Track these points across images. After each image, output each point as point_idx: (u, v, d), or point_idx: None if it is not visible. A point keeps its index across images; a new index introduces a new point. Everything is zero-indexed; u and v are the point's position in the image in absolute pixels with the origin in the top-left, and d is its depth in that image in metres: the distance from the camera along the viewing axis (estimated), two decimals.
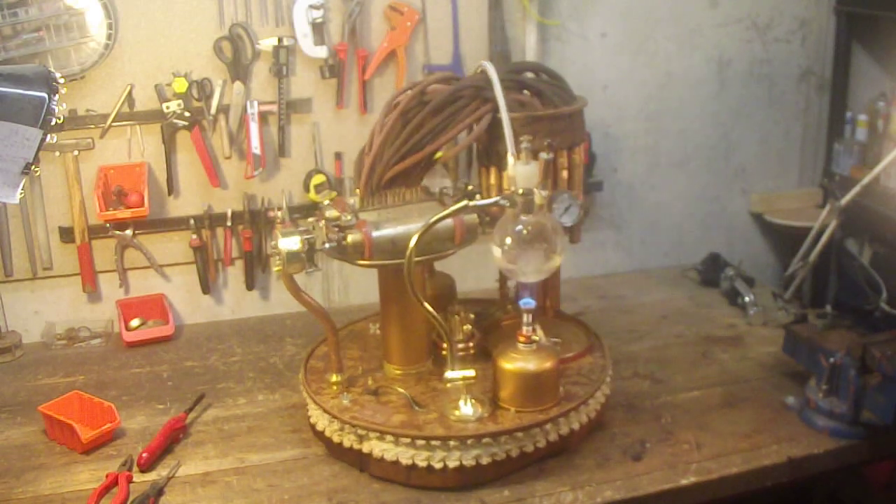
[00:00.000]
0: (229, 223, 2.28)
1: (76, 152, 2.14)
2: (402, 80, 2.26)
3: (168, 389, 1.97)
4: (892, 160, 2.12)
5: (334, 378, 1.75)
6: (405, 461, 1.58)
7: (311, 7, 2.15)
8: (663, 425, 1.79)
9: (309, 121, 2.28)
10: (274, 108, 2.22)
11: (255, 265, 2.33)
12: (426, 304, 1.61)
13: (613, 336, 2.18)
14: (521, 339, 1.63)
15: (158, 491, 1.58)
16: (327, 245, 1.62)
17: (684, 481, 1.61)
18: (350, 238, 1.62)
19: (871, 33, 2.59)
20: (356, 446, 1.62)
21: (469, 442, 1.56)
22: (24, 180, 1.44)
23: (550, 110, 1.77)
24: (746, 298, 2.34)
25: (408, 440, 1.57)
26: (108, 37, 2.06)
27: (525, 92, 1.83)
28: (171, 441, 1.73)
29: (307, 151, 2.29)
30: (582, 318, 2.05)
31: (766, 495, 1.72)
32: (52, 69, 1.51)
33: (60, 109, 1.45)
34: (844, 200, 2.15)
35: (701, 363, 2.07)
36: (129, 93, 2.13)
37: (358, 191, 1.75)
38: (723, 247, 2.69)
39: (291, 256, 1.58)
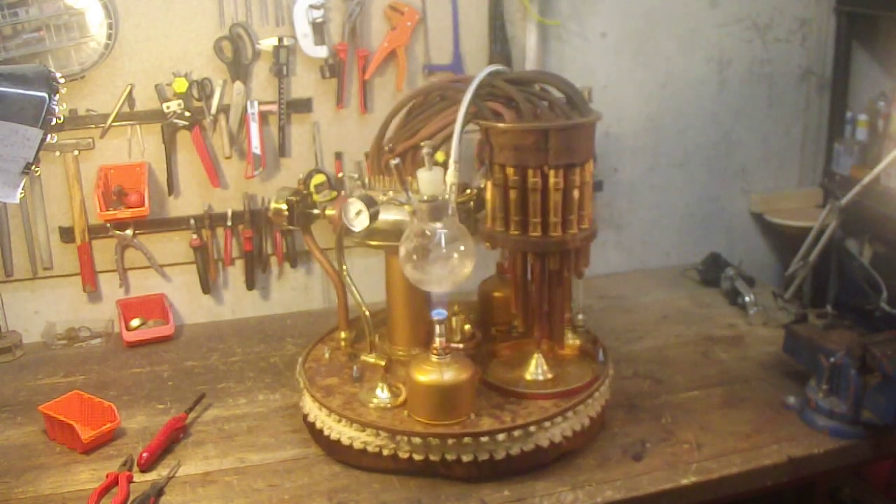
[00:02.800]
0: (230, 223, 2.28)
1: (76, 152, 2.14)
2: (403, 80, 2.26)
3: (168, 389, 1.97)
4: (892, 160, 2.12)
5: (342, 335, 1.88)
6: (311, 419, 1.72)
7: (312, 7, 2.15)
8: (664, 425, 1.79)
9: (309, 121, 2.28)
10: (274, 107, 2.22)
11: (256, 265, 2.33)
12: (352, 287, 1.76)
13: (614, 336, 2.19)
14: (434, 350, 1.59)
15: (159, 491, 1.58)
16: (315, 210, 1.80)
17: (685, 481, 1.61)
18: (327, 212, 1.77)
19: (871, 33, 2.59)
20: (300, 394, 1.80)
21: (342, 422, 1.64)
22: (24, 180, 1.44)
23: (496, 124, 1.62)
24: (747, 298, 2.34)
25: (316, 402, 1.70)
26: (109, 37, 2.06)
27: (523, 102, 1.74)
28: (171, 441, 1.73)
29: (307, 151, 2.29)
30: (594, 350, 1.85)
31: (766, 495, 1.72)
32: (53, 69, 1.51)
33: (61, 109, 1.45)
34: (845, 200, 2.15)
35: (701, 363, 2.07)
36: (130, 93, 2.13)
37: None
38: (723, 247, 2.69)
39: (276, 212, 1.81)
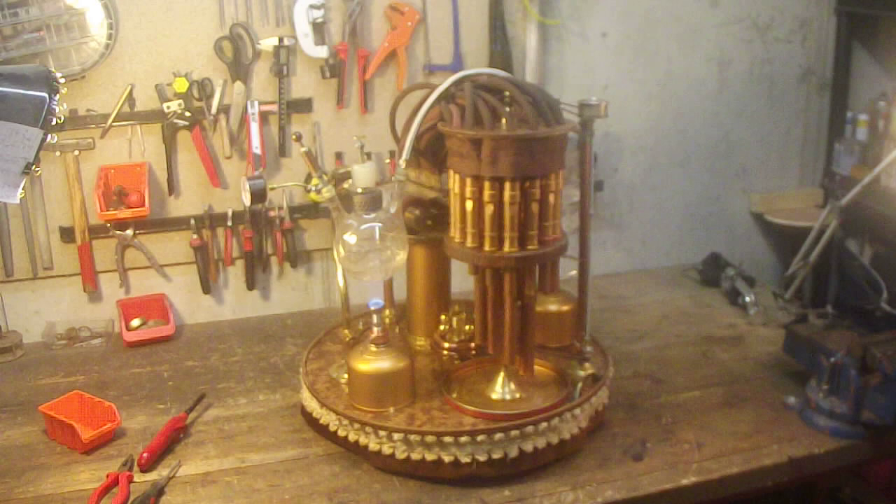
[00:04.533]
0: (230, 223, 2.28)
1: (77, 152, 2.14)
2: (403, 80, 2.27)
3: (168, 389, 1.97)
4: (892, 160, 2.12)
5: (387, 312, 1.92)
6: (301, 378, 1.84)
7: (312, 7, 2.15)
8: (664, 425, 1.79)
9: (309, 121, 2.28)
10: (274, 107, 2.22)
11: (256, 265, 2.33)
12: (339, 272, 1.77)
13: (614, 336, 2.19)
14: (375, 340, 1.66)
15: (159, 491, 1.58)
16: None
17: (685, 481, 1.61)
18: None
19: (871, 33, 2.59)
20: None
21: (303, 384, 1.79)
22: (24, 180, 1.44)
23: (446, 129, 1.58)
24: (747, 298, 2.34)
25: (302, 364, 1.85)
26: (109, 37, 2.05)
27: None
28: (171, 441, 1.73)
29: None
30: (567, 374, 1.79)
31: (766, 495, 1.72)
32: (53, 69, 1.52)
33: (61, 109, 1.45)
34: (845, 200, 2.16)
35: (701, 363, 2.07)
36: (130, 93, 2.13)
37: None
38: (723, 247, 2.69)
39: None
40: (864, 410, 1.71)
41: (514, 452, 1.58)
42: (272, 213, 2.29)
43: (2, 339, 2.15)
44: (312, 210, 2.32)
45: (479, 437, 1.56)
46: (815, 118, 2.74)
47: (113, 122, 2.14)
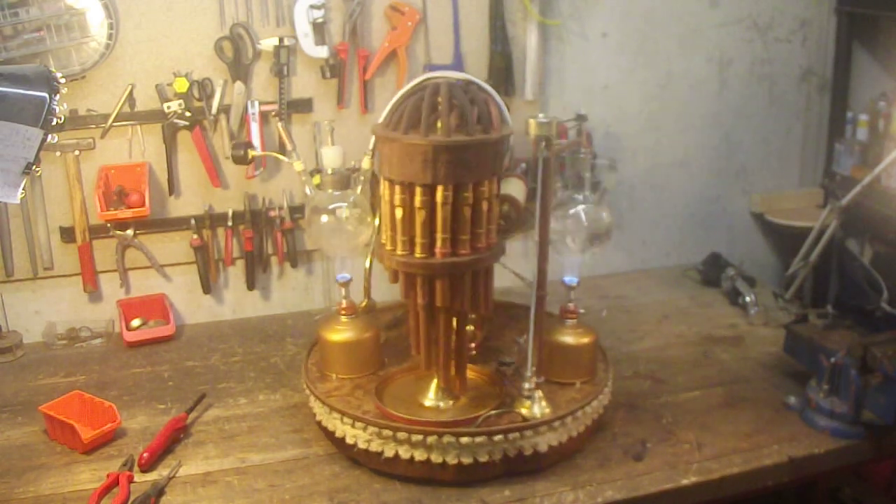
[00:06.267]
0: (230, 223, 2.28)
1: (77, 152, 2.14)
2: (403, 80, 2.26)
3: (169, 389, 1.97)
4: (892, 160, 2.12)
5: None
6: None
7: (312, 7, 2.15)
8: (664, 425, 1.79)
9: (310, 121, 2.28)
10: (275, 107, 2.22)
11: (257, 265, 2.33)
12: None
13: (614, 336, 2.19)
14: (343, 311, 1.80)
15: (159, 491, 1.58)
16: None
17: (685, 481, 1.62)
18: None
19: (871, 33, 2.59)
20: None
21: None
22: (24, 180, 1.43)
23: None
24: (747, 298, 2.34)
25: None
26: (109, 37, 2.05)
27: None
28: (171, 441, 1.73)
29: (308, 151, 2.29)
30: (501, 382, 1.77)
31: (766, 495, 1.72)
32: (53, 69, 1.51)
33: (61, 109, 1.45)
34: (845, 200, 2.15)
35: (702, 363, 2.07)
36: (130, 93, 2.13)
37: None
38: (724, 247, 2.69)
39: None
40: (864, 410, 1.71)
41: (389, 453, 1.59)
42: (272, 213, 2.29)
43: (2, 339, 2.15)
44: None
45: (357, 424, 1.62)
46: (815, 118, 2.74)
47: (113, 122, 2.14)
